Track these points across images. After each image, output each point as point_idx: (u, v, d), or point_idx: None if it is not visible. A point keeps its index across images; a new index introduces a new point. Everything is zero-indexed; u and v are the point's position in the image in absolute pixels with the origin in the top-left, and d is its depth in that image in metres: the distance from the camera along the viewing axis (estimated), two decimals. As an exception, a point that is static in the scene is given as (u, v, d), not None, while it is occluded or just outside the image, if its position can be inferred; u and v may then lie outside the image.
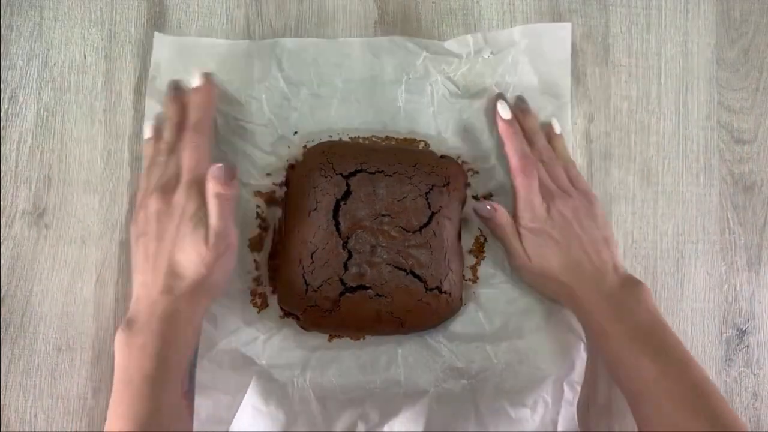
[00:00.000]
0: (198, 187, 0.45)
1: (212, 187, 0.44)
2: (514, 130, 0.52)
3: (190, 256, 0.44)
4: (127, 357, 0.43)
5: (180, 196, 0.45)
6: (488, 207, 0.51)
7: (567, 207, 0.51)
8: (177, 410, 0.45)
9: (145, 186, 0.48)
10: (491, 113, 0.55)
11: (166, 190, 0.46)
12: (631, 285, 0.49)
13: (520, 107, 0.54)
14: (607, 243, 0.51)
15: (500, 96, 0.54)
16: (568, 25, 0.56)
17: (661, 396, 0.44)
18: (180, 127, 0.49)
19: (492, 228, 0.53)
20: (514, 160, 0.51)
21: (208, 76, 0.50)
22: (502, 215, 0.51)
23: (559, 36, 0.56)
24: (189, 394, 0.47)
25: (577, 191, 0.52)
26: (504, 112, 0.53)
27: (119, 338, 0.44)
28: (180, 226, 0.45)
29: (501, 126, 0.53)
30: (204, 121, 0.48)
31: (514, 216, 0.52)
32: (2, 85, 0.53)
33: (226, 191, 0.45)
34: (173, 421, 0.44)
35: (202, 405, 0.49)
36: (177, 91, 0.50)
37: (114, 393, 0.43)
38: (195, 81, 0.49)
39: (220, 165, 0.45)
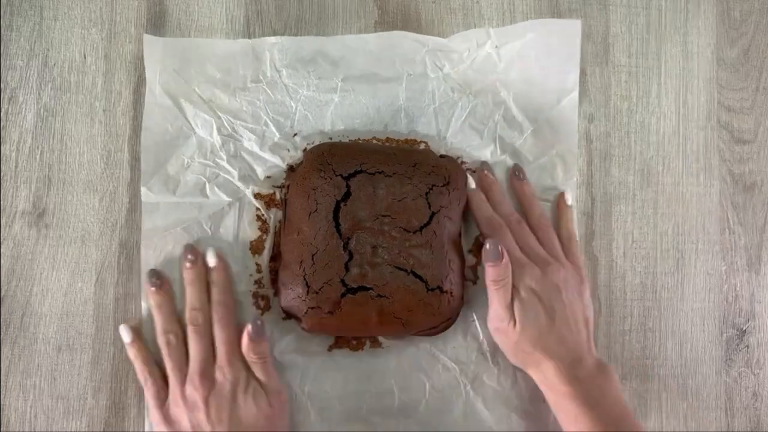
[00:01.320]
0: (239, 358, 0.48)
1: (252, 349, 0.47)
2: (478, 198, 0.53)
3: (258, 422, 0.47)
4: None
5: (226, 372, 0.47)
6: (500, 250, 0.47)
7: (558, 275, 0.49)
8: None
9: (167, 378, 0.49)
10: (494, 108, 0.55)
11: (206, 372, 0.47)
12: (602, 370, 0.48)
13: (516, 176, 0.54)
14: (587, 324, 0.50)
15: (484, 165, 0.54)
16: (577, 22, 0.56)
17: None
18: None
19: (489, 276, 0.48)
20: (482, 228, 0.52)
21: (220, 254, 0.51)
22: (506, 267, 0.48)
23: (568, 32, 0.56)
24: None
25: (570, 264, 0.51)
26: (471, 183, 0.53)
27: None
28: (237, 400, 0.47)
29: (469, 196, 0.53)
30: (227, 296, 0.50)
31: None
32: (2, 85, 0.53)
33: (264, 348, 0.48)
34: None
35: None
36: (192, 260, 0.50)
37: None
38: (211, 261, 0.50)
39: (250, 325, 0.47)
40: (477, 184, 0.53)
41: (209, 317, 0.49)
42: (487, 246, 0.47)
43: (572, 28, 0.56)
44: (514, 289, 0.48)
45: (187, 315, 0.49)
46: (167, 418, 0.48)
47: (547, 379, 0.48)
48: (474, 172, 0.55)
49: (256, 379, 0.48)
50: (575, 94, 0.55)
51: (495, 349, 0.53)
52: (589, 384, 0.47)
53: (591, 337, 0.50)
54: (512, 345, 0.49)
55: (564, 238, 0.53)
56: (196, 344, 0.48)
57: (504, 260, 0.47)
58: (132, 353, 0.50)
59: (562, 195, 0.55)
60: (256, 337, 0.47)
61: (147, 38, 0.53)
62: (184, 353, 0.49)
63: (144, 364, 0.49)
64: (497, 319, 0.49)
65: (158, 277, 0.50)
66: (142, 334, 0.51)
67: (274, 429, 0.47)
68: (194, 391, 0.47)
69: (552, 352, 0.48)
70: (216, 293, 0.50)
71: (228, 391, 0.47)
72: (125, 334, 0.50)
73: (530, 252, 0.51)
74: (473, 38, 0.55)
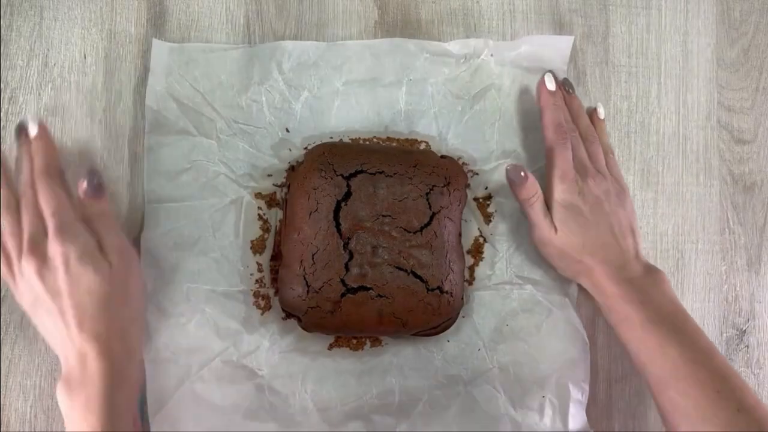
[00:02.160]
0: (69, 228, 0.44)
1: (88, 207, 0.46)
2: (554, 102, 0.53)
3: (95, 293, 0.44)
4: (71, 415, 0.44)
5: (55, 246, 0.44)
6: (521, 173, 0.49)
7: (600, 187, 0.51)
8: None
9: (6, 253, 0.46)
10: (492, 113, 0.55)
11: (36, 246, 0.44)
12: (652, 272, 0.50)
13: (566, 88, 0.55)
14: (633, 231, 0.51)
15: (549, 71, 0.54)
16: (570, 38, 0.56)
17: (687, 381, 0.45)
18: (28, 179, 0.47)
19: (519, 196, 0.51)
20: (549, 131, 0.52)
21: (42, 123, 0.48)
22: (533, 184, 0.50)
23: (560, 46, 0.56)
24: (142, 426, 0.48)
25: (611, 176, 0.53)
26: (550, 83, 0.53)
27: (61, 397, 0.44)
28: (69, 274, 0.44)
29: (543, 97, 0.53)
30: (52, 164, 0.47)
31: (547, 187, 0.51)
32: (2, 85, 0.53)
33: (102, 205, 0.47)
34: None
35: (203, 419, 0.50)
36: (25, 134, 0.48)
37: None
38: (33, 130, 0.47)
39: (85, 183, 0.46)
40: (555, 87, 0.53)
41: (35, 191, 0.46)
42: (509, 169, 0.50)
43: (564, 43, 0.56)
44: (555, 202, 0.50)
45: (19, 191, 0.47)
46: (17, 287, 0.46)
47: (597, 284, 0.50)
48: (476, 174, 0.55)
49: (96, 238, 0.45)
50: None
51: (494, 349, 0.53)
52: (638, 285, 0.49)
53: (638, 243, 0.51)
54: (558, 253, 0.51)
55: (603, 152, 0.54)
56: (24, 219, 0.45)
57: (528, 180, 0.49)
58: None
59: (595, 110, 0.55)
60: (93, 194, 0.45)
61: (156, 43, 0.53)
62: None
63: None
64: (538, 230, 0.51)
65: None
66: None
67: (120, 287, 0.45)
68: (27, 265, 0.44)
69: (599, 257, 0.49)
70: (37, 164, 0.46)
71: (60, 263, 0.43)
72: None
73: (578, 164, 0.51)
74: (471, 45, 0.55)
